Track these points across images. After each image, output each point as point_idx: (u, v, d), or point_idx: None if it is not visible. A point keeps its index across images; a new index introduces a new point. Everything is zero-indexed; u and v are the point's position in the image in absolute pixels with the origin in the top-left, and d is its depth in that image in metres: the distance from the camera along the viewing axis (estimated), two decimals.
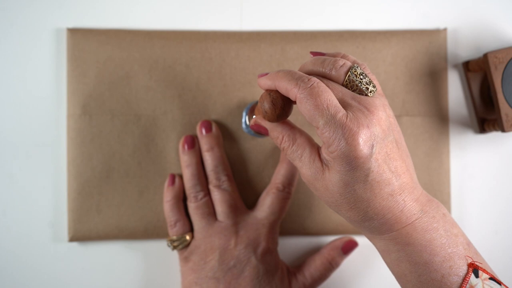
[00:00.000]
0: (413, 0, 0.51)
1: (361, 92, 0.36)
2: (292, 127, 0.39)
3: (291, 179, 0.47)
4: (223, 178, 0.47)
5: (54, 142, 0.49)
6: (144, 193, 0.48)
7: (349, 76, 0.36)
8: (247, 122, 0.48)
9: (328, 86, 0.36)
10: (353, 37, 0.49)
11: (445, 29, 0.50)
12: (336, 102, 0.35)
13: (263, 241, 0.46)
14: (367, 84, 0.36)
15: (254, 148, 0.49)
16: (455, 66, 0.51)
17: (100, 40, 0.48)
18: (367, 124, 0.34)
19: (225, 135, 0.49)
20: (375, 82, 0.38)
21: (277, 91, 0.37)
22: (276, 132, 0.39)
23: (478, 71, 0.50)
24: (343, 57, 0.39)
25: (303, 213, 0.49)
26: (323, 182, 0.36)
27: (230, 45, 0.49)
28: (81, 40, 0.48)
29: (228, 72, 0.49)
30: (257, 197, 0.49)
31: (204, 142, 0.48)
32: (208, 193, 0.47)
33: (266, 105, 0.37)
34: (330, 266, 0.48)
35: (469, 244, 0.37)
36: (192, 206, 0.47)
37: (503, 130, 0.47)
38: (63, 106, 0.49)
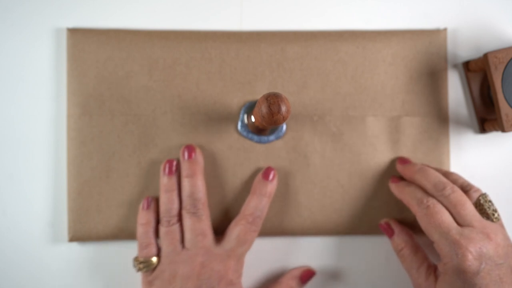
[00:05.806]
0: (413, 0, 0.51)
1: (488, 217, 0.43)
2: (415, 241, 0.46)
3: (261, 211, 0.47)
4: (198, 205, 0.46)
5: (54, 142, 0.49)
6: (144, 193, 0.48)
7: (479, 200, 0.43)
8: (245, 121, 0.48)
9: (463, 205, 0.42)
10: (353, 37, 0.49)
11: (445, 29, 0.50)
12: (449, 221, 0.41)
13: (227, 273, 0.45)
14: (494, 211, 0.43)
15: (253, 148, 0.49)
16: (455, 66, 0.51)
17: (100, 40, 0.48)
18: (480, 245, 0.40)
19: (224, 136, 0.49)
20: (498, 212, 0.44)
21: (274, 96, 0.37)
22: (400, 239, 0.46)
23: (478, 71, 0.50)
24: (455, 181, 0.46)
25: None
26: None
27: (230, 45, 0.49)
28: (81, 40, 0.48)
29: (228, 72, 0.49)
30: None
31: (185, 168, 0.47)
32: (180, 218, 0.47)
33: (264, 110, 0.37)
34: None
35: None
36: (163, 230, 0.46)
37: (503, 130, 0.47)
38: (63, 106, 0.49)
